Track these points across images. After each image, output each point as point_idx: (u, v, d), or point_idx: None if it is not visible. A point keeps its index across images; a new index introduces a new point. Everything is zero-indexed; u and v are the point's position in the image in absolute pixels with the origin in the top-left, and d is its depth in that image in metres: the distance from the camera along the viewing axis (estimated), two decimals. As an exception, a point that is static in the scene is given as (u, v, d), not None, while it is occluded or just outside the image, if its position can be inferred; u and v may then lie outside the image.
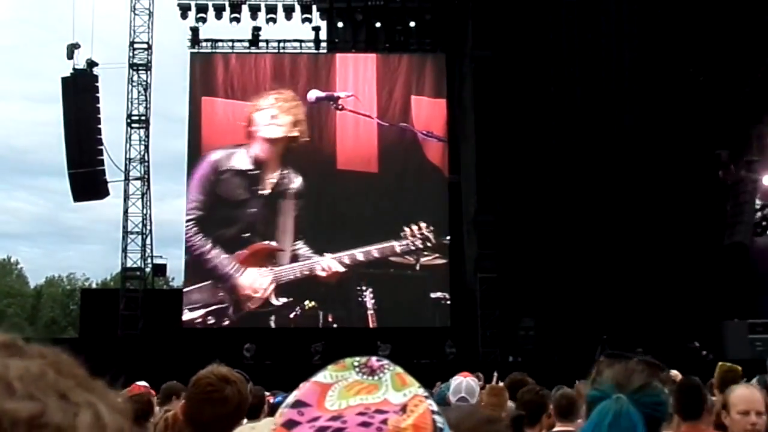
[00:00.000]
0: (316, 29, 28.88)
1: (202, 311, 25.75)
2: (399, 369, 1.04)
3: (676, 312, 24.34)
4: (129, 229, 27.38)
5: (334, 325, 25.78)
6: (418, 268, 26.21)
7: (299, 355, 23.31)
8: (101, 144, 27.34)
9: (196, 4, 27.83)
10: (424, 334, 24.82)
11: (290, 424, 0.99)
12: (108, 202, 28.43)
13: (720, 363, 8.10)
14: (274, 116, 26.52)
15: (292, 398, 1.02)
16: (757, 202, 26.35)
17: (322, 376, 1.03)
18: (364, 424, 0.96)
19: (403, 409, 0.99)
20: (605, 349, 20.39)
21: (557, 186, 25.84)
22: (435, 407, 1.00)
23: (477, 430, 2.12)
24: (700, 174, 25.99)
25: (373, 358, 1.05)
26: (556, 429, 5.68)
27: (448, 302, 26.15)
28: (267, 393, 7.81)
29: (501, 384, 7.92)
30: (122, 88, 27.76)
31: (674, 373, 8.07)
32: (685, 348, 22.62)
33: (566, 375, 10.95)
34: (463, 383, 6.80)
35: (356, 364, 1.05)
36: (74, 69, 27.26)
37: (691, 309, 24.34)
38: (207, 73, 27.49)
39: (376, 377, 1.02)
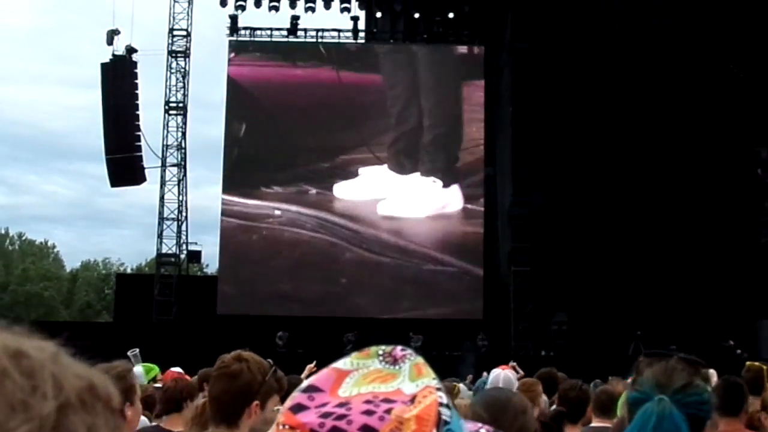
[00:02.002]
0: (355, 19, 28.88)
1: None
2: (419, 359, 1.03)
3: (711, 309, 24.14)
4: (165, 215, 27.54)
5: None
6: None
7: (332, 344, 23.36)
8: (139, 130, 27.51)
9: (236, -8, 27.92)
10: (456, 325, 24.80)
11: (297, 408, 0.98)
12: (143, 187, 28.65)
13: (747, 363, 8.01)
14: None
15: (306, 383, 1.01)
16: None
17: (342, 363, 1.02)
18: (368, 413, 0.95)
19: (412, 399, 0.98)
20: (639, 345, 20.33)
21: (593, 180, 25.70)
22: (444, 400, 0.99)
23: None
24: (739, 171, 25.74)
25: (398, 348, 1.04)
26: (593, 424, 5.66)
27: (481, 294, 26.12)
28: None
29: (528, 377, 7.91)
30: (161, 74, 27.98)
31: (711, 372, 8.01)
32: (720, 346, 22.44)
33: (599, 370, 10.91)
34: (501, 375, 6.85)
35: (381, 352, 1.04)
36: (114, 55, 27.42)
37: (726, 307, 24.14)
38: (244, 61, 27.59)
39: (397, 366, 1.01)
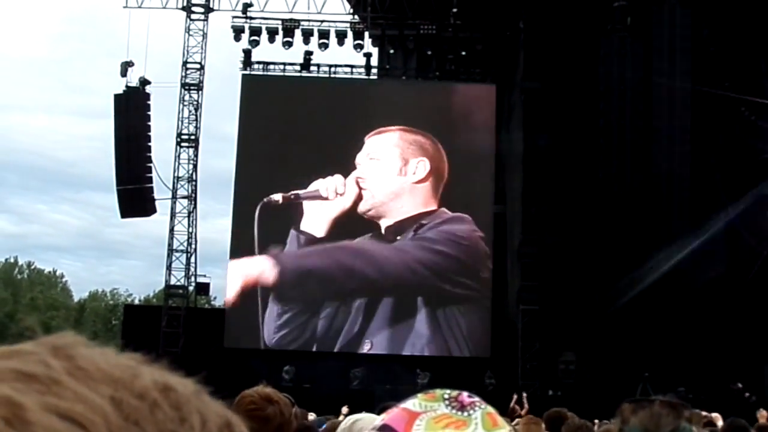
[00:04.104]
0: (368, 55, 29.02)
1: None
2: (490, 408, 1.03)
3: (719, 352, 24.02)
4: (174, 247, 27.55)
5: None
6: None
7: (339, 379, 23.30)
8: (150, 162, 27.63)
9: (250, 27, 28.10)
10: (463, 363, 24.72)
11: None
12: (151, 218, 28.72)
13: None
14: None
15: (379, 422, 1.02)
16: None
17: (411, 404, 1.03)
18: None
19: None
20: (646, 387, 20.21)
21: (603, 220, 25.67)
22: None
23: None
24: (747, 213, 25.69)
25: (465, 393, 1.05)
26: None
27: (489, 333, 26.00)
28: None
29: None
30: (173, 106, 28.09)
31: (715, 415, 7.98)
32: (728, 389, 22.32)
33: (606, 411, 10.84)
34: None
35: (446, 396, 1.04)
36: (127, 86, 27.60)
37: (735, 349, 24.02)
38: (257, 95, 27.70)
39: (465, 413, 1.02)
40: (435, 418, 1.01)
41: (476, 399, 1.04)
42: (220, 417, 0.64)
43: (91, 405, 0.56)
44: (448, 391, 1.05)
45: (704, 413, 7.73)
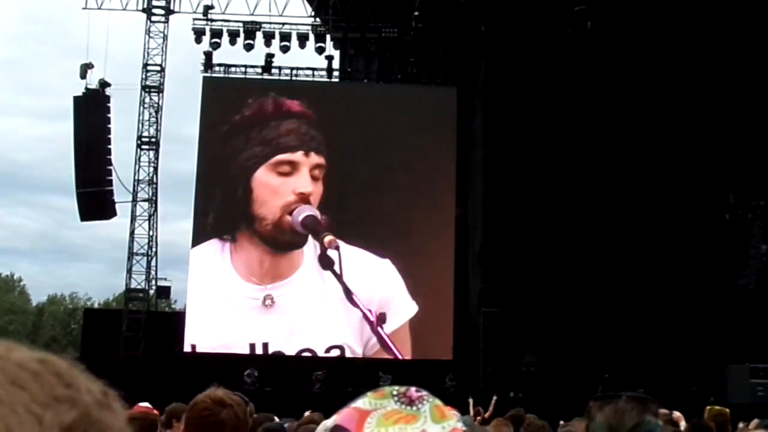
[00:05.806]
0: (329, 58, 29.00)
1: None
2: (438, 401, 1.05)
3: (680, 353, 24.26)
4: (134, 250, 27.37)
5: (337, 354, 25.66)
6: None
7: (301, 382, 23.26)
8: (110, 164, 27.43)
9: (211, 29, 27.98)
10: (425, 366, 24.74)
11: None
12: (110, 221, 28.48)
13: (708, 407, 8.04)
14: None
15: (331, 422, 1.03)
16: (763, 246, 26.30)
17: (362, 403, 1.05)
18: None
19: None
20: (607, 388, 20.36)
21: (564, 223, 25.84)
22: None
23: None
24: (707, 216, 25.97)
25: (413, 389, 1.07)
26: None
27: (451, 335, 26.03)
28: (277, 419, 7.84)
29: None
30: (133, 109, 27.90)
31: (677, 415, 8.04)
32: (687, 391, 22.52)
33: (567, 412, 10.91)
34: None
35: (395, 393, 1.06)
36: (86, 88, 27.39)
37: (695, 351, 24.26)
38: (218, 97, 27.56)
39: (414, 407, 1.04)
40: (385, 414, 1.03)
41: (424, 393, 1.06)
42: (96, 384, 0.66)
43: None
44: (396, 388, 1.08)
45: (665, 411, 7.77)
